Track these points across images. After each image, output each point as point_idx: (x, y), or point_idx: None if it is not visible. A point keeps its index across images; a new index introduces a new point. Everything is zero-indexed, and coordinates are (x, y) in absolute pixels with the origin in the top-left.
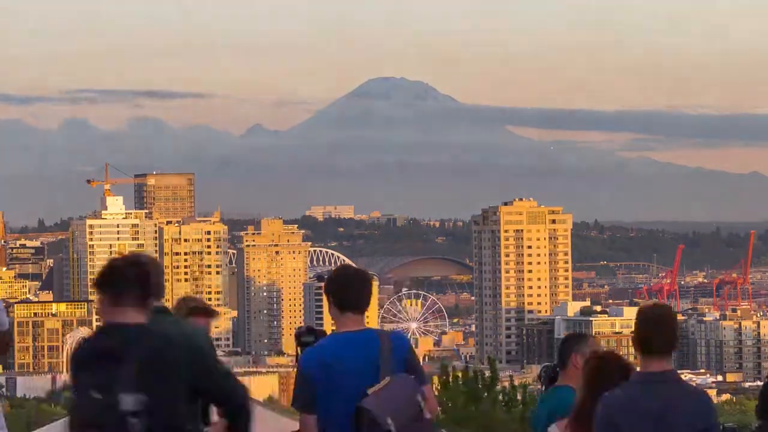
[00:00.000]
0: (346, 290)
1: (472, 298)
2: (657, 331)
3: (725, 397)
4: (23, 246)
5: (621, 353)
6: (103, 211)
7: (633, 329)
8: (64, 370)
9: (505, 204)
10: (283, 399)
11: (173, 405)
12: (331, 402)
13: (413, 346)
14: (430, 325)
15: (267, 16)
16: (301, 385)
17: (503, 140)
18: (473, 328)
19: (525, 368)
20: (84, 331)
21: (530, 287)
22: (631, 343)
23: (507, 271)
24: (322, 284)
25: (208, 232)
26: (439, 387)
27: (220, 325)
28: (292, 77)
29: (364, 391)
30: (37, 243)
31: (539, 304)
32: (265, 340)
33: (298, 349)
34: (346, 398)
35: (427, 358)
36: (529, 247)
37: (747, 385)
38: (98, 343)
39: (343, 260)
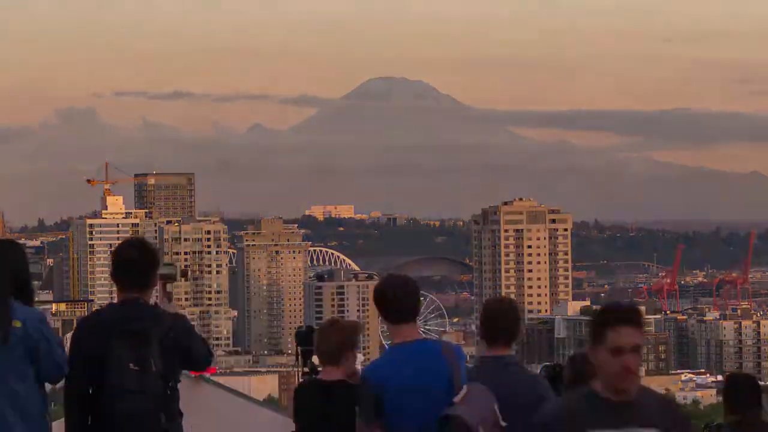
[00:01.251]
0: (399, 301)
1: (472, 297)
2: (500, 321)
3: None
4: (23, 245)
5: None
6: (103, 211)
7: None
8: None
9: (505, 204)
10: (283, 398)
11: (175, 371)
12: (399, 415)
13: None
14: (430, 324)
15: (267, 16)
16: (365, 398)
17: (503, 140)
18: (473, 327)
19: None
20: None
21: (530, 287)
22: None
23: (507, 271)
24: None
25: (208, 232)
26: None
27: (221, 325)
28: (292, 77)
29: (443, 402)
30: (37, 242)
31: (539, 303)
32: (265, 340)
33: (298, 348)
34: (413, 411)
35: None
36: (529, 246)
37: None
38: (131, 321)
39: (343, 260)
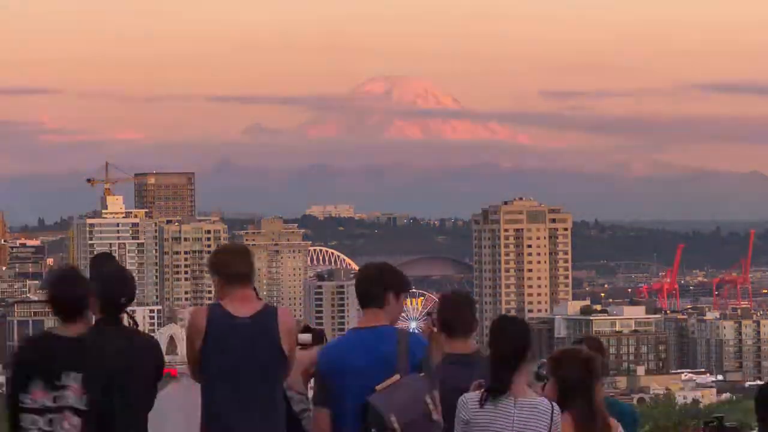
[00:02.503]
0: (365, 286)
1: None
2: (457, 314)
3: (725, 396)
4: (23, 245)
5: (621, 352)
6: (103, 211)
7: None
8: None
9: (506, 203)
10: None
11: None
12: (343, 398)
13: (429, 349)
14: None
15: (266, 16)
16: (316, 381)
17: (504, 140)
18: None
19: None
20: None
21: (530, 286)
22: (629, 342)
23: (507, 270)
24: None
25: (208, 232)
26: None
27: None
28: (292, 77)
29: (373, 387)
30: (37, 242)
31: (539, 303)
32: None
33: (297, 348)
34: (357, 394)
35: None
36: (529, 246)
37: (747, 384)
38: None
39: (343, 260)
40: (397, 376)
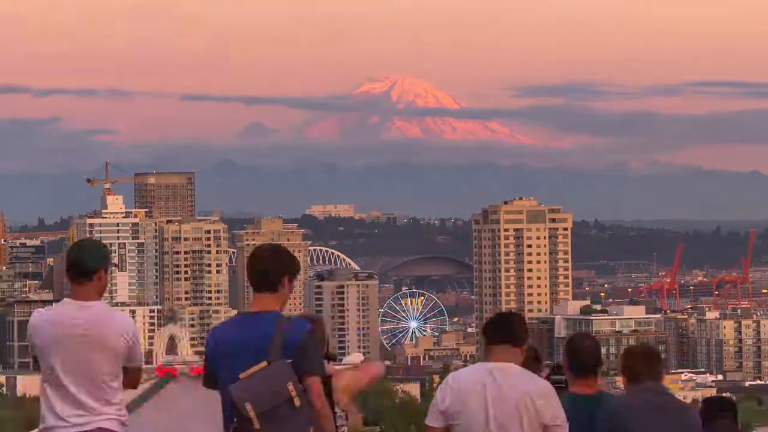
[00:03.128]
0: (255, 268)
1: (472, 297)
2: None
3: (725, 396)
4: (23, 245)
5: (621, 351)
6: (103, 210)
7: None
8: None
9: (506, 203)
10: None
11: None
12: (225, 382)
13: (311, 336)
14: (430, 323)
15: (266, 16)
16: (204, 363)
17: (504, 140)
18: (473, 327)
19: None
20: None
21: (530, 286)
22: (629, 342)
23: (507, 270)
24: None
25: (208, 231)
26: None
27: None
28: (292, 77)
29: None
30: (37, 242)
31: (539, 303)
32: None
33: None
34: (232, 377)
35: (427, 356)
36: (529, 246)
37: (747, 384)
38: None
39: (343, 259)
40: (263, 363)
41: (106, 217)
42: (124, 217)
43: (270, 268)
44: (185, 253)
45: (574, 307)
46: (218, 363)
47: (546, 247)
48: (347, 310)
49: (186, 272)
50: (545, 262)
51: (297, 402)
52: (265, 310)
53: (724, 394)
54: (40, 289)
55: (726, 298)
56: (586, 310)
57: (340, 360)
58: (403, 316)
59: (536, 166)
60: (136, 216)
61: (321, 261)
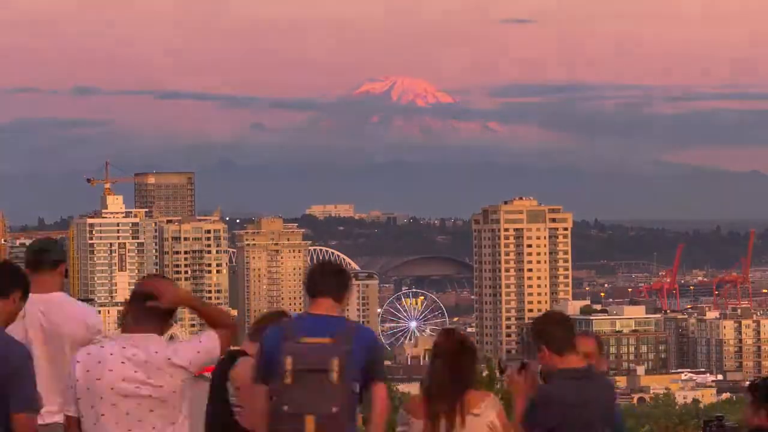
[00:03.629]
0: (313, 278)
1: (473, 297)
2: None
3: (725, 396)
4: (23, 245)
5: (621, 351)
6: (103, 210)
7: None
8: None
9: (506, 203)
10: None
11: None
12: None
13: (381, 345)
14: (430, 324)
15: (266, 15)
16: (258, 358)
17: (503, 139)
18: (473, 327)
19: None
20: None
21: (530, 286)
22: (629, 342)
23: (507, 270)
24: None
25: (208, 231)
26: None
27: None
28: (292, 77)
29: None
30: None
31: (539, 303)
32: None
33: None
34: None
35: (427, 356)
36: (529, 246)
37: (747, 384)
38: None
39: (343, 259)
40: (327, 339)
41: (106, 217)
42: (124, 217)
43: (330, 281)
44: (185, 253)
45: (574, 307)
46: (272, 360)
47: (546, 247)
48: (347, 310)
49: (186, 272)
50: (545, 262)
51: (335, 378)
52: (329, 314)
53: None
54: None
55: (726, 298)
56: (586, 310)
57: None
58: (403, 316)
59: (536, 166)
60: (136, 216)
61: None
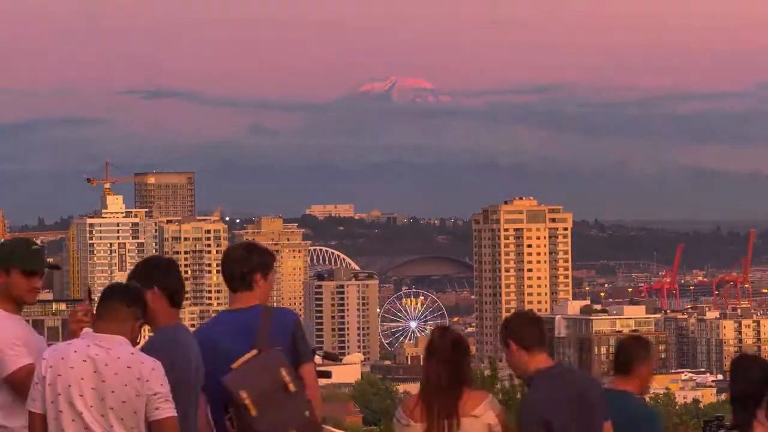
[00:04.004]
0: (232, 269)
1: (473, 296)
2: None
3: (725, 396)
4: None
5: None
6: (103, 210)
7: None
8: None
9: (506, 203)
10: None
11: None
12: (211, 379)
13: (299, 324)
14: (430, 323)
15: (266, 15)
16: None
17: (503, 139)
18: (473, 326)
19: None
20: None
21: (530, 286)
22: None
23: (507, 270)
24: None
25: (208, 231)
26: None
27: None
28: (292, 77)
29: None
30: (37, 242)
31: (539, 303)
32: None
33: None
34: (223, 372)
35: None
36: (529, 246)
37: None
38: None
39: (343, 259)
40: (254, 352)
41: (106, 217)
42: (124, 216)
43: (243, 268)
44: (185, 253)
45: (574, 307)
46: (207, 364)
47: (546, 247)
48: (347, 310)
49: (186, 272)
50: (545, 262)
51: (292, 387)
52: (247, 306)
53: None
54: (40, 290)
55: (726, 298)
56: (586, 310)
57: (341, 359)
58: (403, 316)
59: (536, 166)
60: (136, 216)
61: (321, 261)
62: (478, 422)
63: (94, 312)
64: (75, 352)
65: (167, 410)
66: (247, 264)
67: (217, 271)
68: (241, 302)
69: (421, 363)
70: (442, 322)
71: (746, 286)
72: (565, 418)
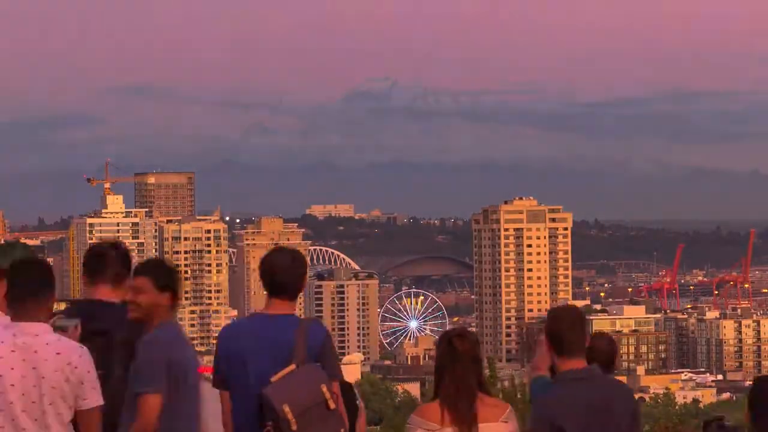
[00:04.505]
0: (275, 275)
1: (473, 296)
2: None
3: (725, 396)
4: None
5: (621, 351)
6: (103, 210)
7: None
8: None
9: (506, 203)
10: None
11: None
12: (238, 383)
13: (331, 340)
14: (430, 323)
15: (266, 15)
16: (215, 361)
17: (504, 139)
18: (473, 326)
19: (525, 367)
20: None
21: (530, 286)
22: (629, 342)
23: (507, 270)
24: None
25: (208, 231)
26: None
27: (221, 324)
28: (292, 76)
29: (269, 377)
30: (37, 242)
31: (539, 302)
32: None
33: None
34: (256, 379)
35: (427, 356)
36: (529, 246)
37: (747, 384)
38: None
39: (343, 259)
40: (292, 366)
41: (106, 217)
42: (124, 216)
43: (292, 280)
44: (185, 252)
45: None
46: (231, 364)
47: (546, 247)
48: (347, 310)
49: (186, 272)
50: (545, 262)
51: (332, 405)
52: (283, 313)
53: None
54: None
55: (726, 298)
56: (586, 310)
57: (340, 359)
58: (403, 316)
59: (536, 166)
60: (136, 216)
61: (321, 261)
62: (504, 427)
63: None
64: (1, 342)
65: (94, 399)
66: (292, 272)
67: (218, 272)
68: (277, 308)
69: (440, 368)
70: (442, 321)
71: (746, 286)
72: (579, 426)
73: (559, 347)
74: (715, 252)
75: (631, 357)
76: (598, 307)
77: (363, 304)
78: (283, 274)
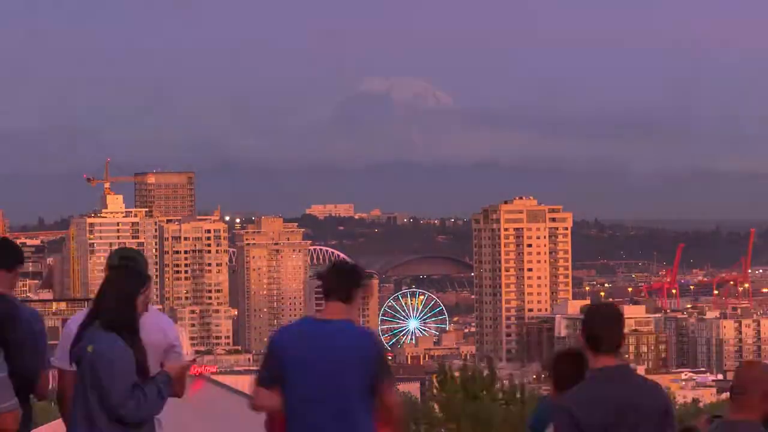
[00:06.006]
0: (331, 279)
1: (473, 296)
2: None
3: (725, 395)
4: (23, 244)
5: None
6: (103, 210)
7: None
8: None
9: (506, 202)
10: None
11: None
12: (299, 382)
13: (383, 346)
14: (430, 323)
15: (265, 15)
16: (265, 361)
17: (503, 139)
18: (473, 326)
19: (525, 366)
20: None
21: (530, 285)
22: (629, 341)
23: (507, 270)
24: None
25: (208, 231)
26: (437, 385)
27: (221, 324)
28: (292, 76)
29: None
30: (37, 241)
31: (539, 302)
32: (265, 339)
33: None
34: (315, 380)
35: (427, 356)
36: (530, 245)
37: None
38: None
39: (343, 258)
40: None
41: (106, 217)
42: (124, 216)
43: (350, 284)
44: (185, 252)
45: (574, 306)
46: (285, 365)
47: (546, 247)
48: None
49: (186, 272)
50: (545, 261)
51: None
52: (338, 318)
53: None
54: (40, 289)
55: (726, 298)
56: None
57: None
58: (403, 316)
59: (536, 166)
60: (136, 215)
61: (321, 261)
62: None
63: None
64: None
65: None
66: (353, 278)
67: (218, 271)
68: (334, 313)
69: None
70: (442, 321)
71: (746, 285)
72: (601, 423)
73: (592, 344)
74: (715, 252)
75: (631, 357)
76: None
77: (363, 304)
78: (344, 278)
